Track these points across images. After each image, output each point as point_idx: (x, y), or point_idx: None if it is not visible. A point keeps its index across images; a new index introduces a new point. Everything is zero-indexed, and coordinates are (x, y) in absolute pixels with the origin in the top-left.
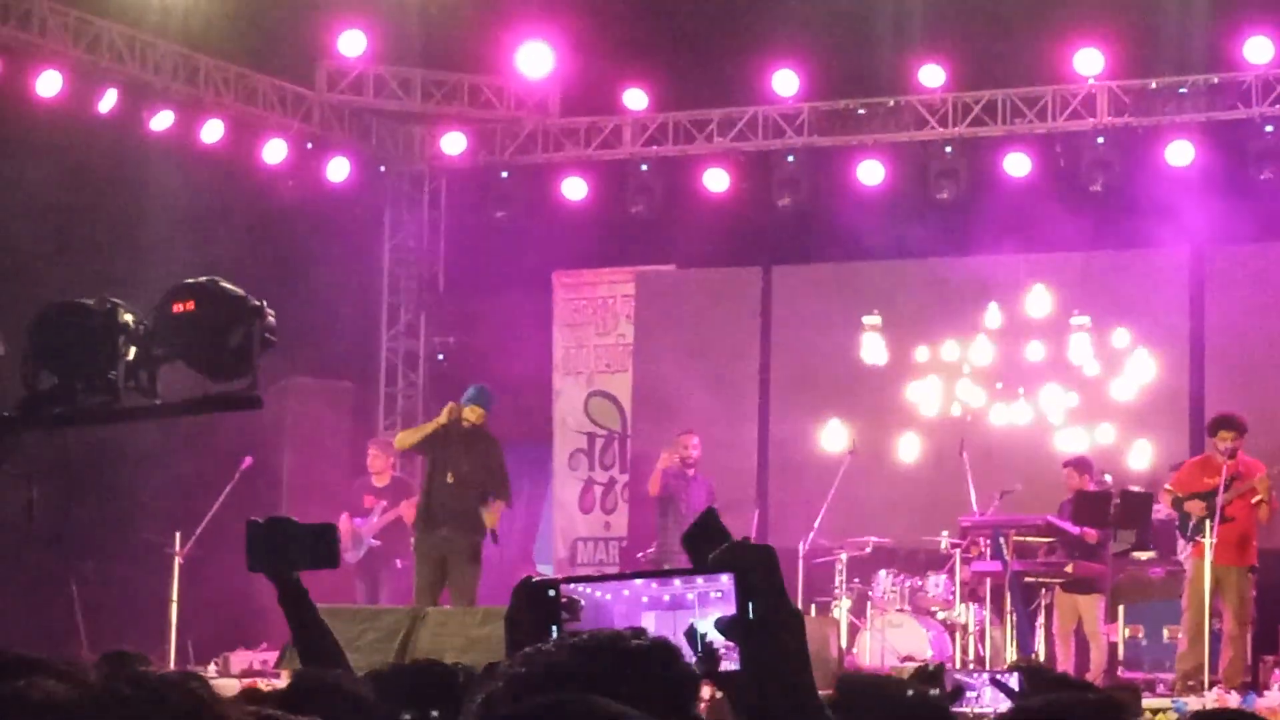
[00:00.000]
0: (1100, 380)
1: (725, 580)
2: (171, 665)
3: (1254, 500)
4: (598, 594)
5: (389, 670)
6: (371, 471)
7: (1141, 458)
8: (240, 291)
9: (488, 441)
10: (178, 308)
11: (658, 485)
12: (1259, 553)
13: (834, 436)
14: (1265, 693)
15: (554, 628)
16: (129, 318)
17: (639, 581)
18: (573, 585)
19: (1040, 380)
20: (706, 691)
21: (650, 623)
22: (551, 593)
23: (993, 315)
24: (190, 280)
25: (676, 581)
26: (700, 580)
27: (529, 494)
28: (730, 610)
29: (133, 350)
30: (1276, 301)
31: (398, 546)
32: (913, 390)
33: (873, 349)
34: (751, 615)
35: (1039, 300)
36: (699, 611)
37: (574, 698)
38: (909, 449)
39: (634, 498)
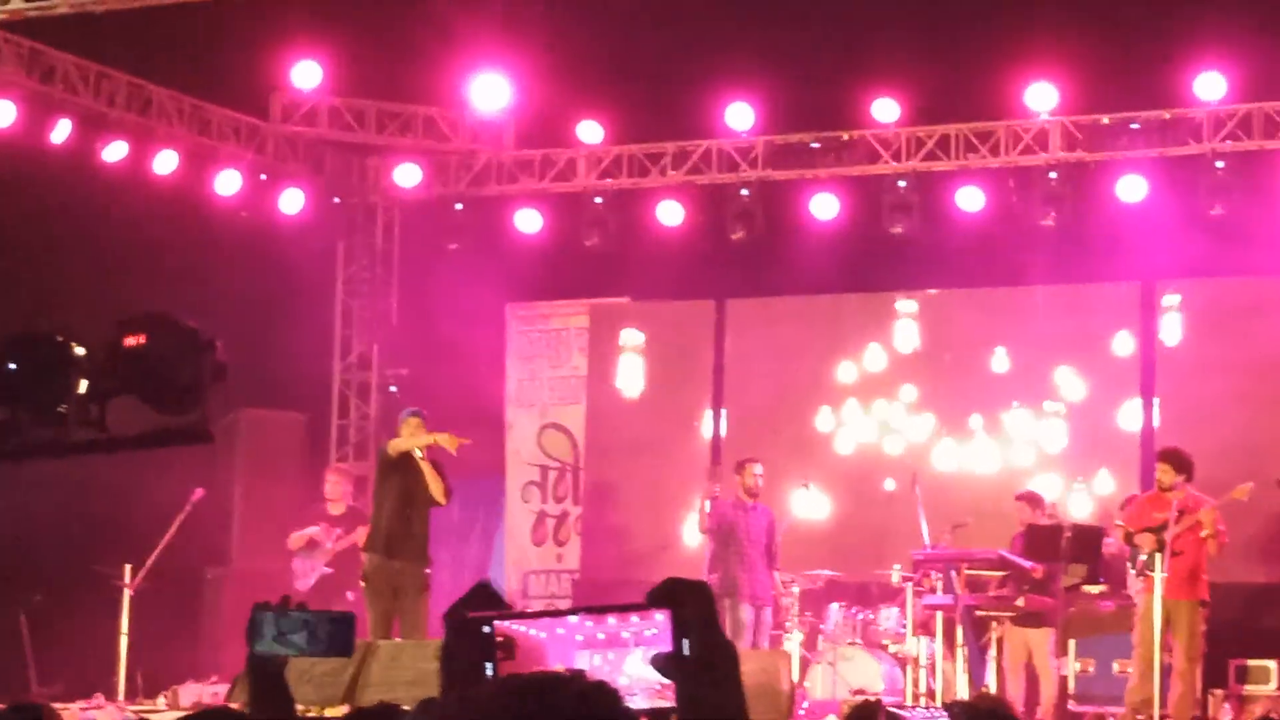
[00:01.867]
0: (1052, 416)
1: (660, 618)
2: (121, 698)
3: (1201, 534)
4: (532, 632)
5: None
6: (328, 499)
7: (1088, 496)
8: (192, 325)
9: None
10: (129, 341)
11: (708, 520)
12: (1209, 587)
13: (787, 470)
14: None
15: (488, 664)
16: (80, 351)
17: (574, 619)
18: (506, 623)
19: (992, 417)
20: None
21: (585, 661)
22: (486, 629)
23: (939, 348)
24: (142, 314)
25: (611, 619)
26: (635, 618)
27: (482, 526)
28: (665, 648)
29: (83, 383)
30: (1227, 336)
31: (350, 578)
32: (865, 423)
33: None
34: (686, 652)
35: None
36: (634, 650)
37: None
38: (860, 482)
39: (587, 530)
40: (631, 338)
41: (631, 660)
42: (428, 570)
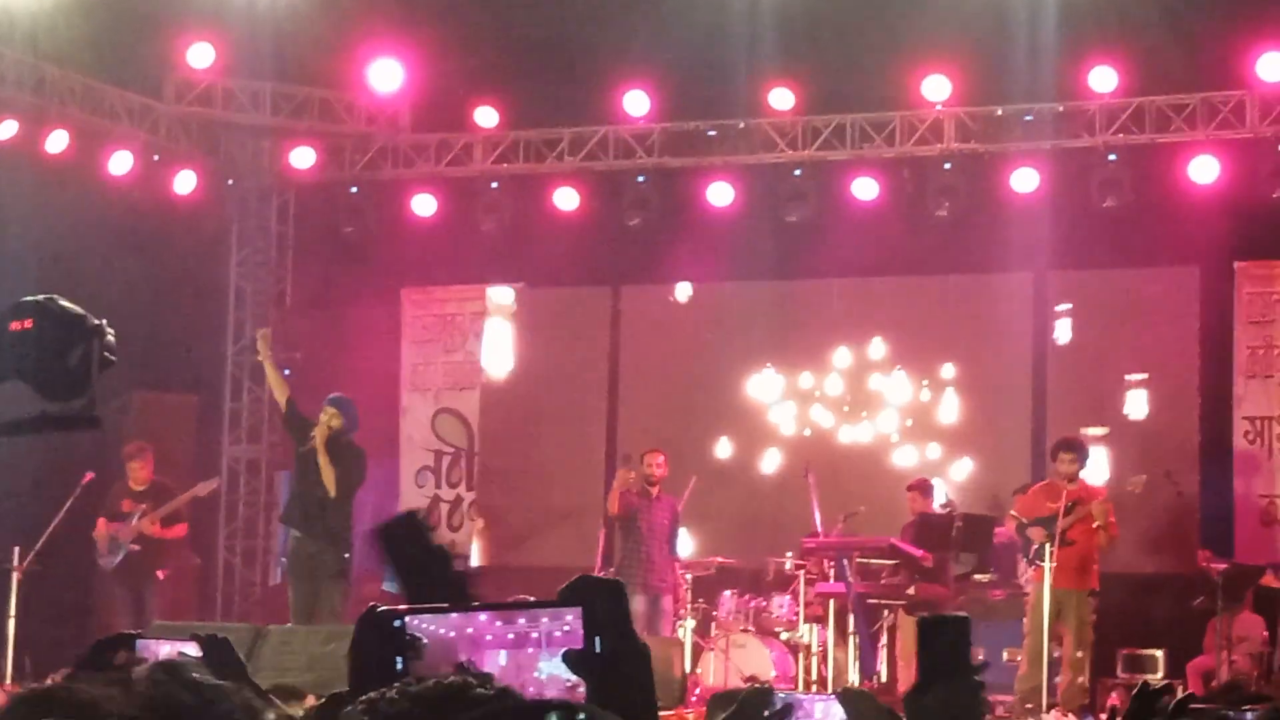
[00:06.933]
0: (942, 405)
1: (570, 617)
2: (9, 681)
3: (1093, 525)
4: (440, 631)
5: None
6: (130, 477)
7: (976, 481)
8: (79, 310)
9: (354, 452)
10: (16, 326)
11: (617, 504)
12: (1100, 576)
13: (681, 457)
14: (1102, 715)
15: (399, 660)
16: None
17: (483, 617)
18: (416, 619)
19: (885, 403)
20: None
21: (495, 661)
22: (397, 623)
23: (841, 353)
24: (29, 298)
25: (521, 619)
26: (545, 618)
27: (375, 510)
28: (575, 646)
29: None
30: (1117, 327)
31: (158, 557)
32: (758, 412)
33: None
34: (598, 650)
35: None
36: (545, 649)
37: None
38: (754, 471)
39: (480, 516)
40: (527, 323)
41: (542, 660)
42: (346, 555)
